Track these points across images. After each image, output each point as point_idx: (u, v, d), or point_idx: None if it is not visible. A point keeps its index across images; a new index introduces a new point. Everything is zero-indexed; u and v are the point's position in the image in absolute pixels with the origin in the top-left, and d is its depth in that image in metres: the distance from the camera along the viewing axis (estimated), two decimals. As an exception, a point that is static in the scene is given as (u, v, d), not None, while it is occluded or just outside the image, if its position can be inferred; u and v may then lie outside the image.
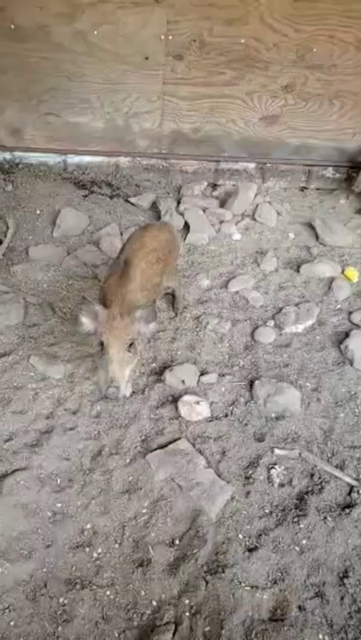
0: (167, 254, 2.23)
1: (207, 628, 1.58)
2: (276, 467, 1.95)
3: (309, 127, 3.24)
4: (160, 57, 2.96)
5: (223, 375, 2.26)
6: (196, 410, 2.08)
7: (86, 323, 1.80)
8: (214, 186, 3.40)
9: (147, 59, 2.96)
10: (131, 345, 1.79)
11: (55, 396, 2.12)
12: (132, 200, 3.20)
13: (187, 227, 3.01)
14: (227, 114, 3.18)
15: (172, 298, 2.55)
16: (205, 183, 3.39)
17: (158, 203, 3.16)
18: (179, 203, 3.18)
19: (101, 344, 1.79)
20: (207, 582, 1.66)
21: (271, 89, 3.10)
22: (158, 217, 3.07)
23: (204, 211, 3.12)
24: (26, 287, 2.59)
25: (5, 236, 2.82)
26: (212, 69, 3.01)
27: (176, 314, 2.51)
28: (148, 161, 3.39)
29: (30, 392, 2.12)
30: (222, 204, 3.25)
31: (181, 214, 3.08)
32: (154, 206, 3.18)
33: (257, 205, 3.20)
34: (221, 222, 3.10)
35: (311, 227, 3.12)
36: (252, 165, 3.41)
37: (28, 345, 2.31)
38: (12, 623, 1.55)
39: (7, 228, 2.87)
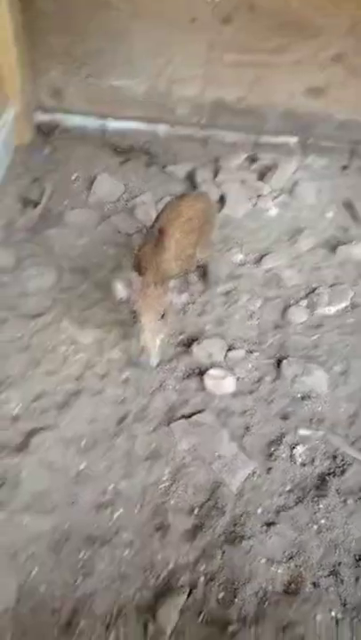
0: (203, 225, 2.21)
1: (221, 595, 1.63)
2: (299, 446, 1.95)
3: (357, 102, 3.12)
4: (207, 20, 2.86)
5: (251, 352, 2.25)
6: (222, 384, 2.08)
7: (120, 290, 1.82)
8: (253, 159, 3.32)
9: (193, 21, 2.87)
10: (162, 315, 1.79)
11: (84, 360, 2.15)
12: (169, 169, 3.16)
13: (222, 199, 2.97)
14: (272, 84, 3.08)
15: (203, 271, 2.54)
16: (244, 156, 3.31)
17: (195, 173, 3.11)
18: (216, 174, 3.12)
19: (134, 312, 1.79)
20: (223, 552, 1.70)
21: (320, 59, 2.98)
22: (194, 187, 3.02)
23: (241, 184, 3.07)
24: (60, 251, 2.60)
25: (41, 200, 2.82)
26: (259, 35, 2.90)
27: (207, 288, 2.50)
28: (187, 130, 3.32)
29: (60, 354, 2.16)
30: (260, 177, 3.18)
31: (218, 186, 3.03)
32: (190, 176, 3.13)
33: (296, 182, 3.12)
34: (258, 197, 3.04)
35: (351, 207, 3.04)
36: (293, 140, 3.31)
37: (60, 308, 2.33)
38: (34, 571, 1.62)
39: (43, 190, 2.87)
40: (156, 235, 1.99)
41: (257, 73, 3.05)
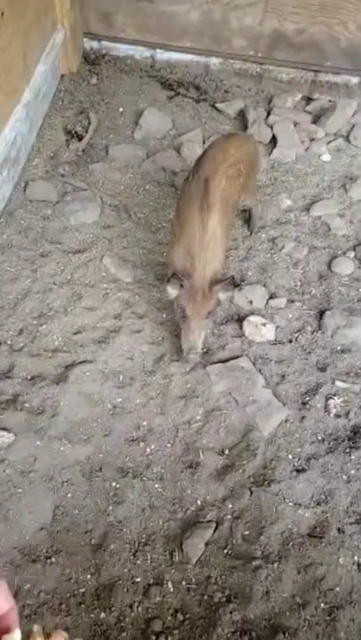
0: (250, 168, 2.11)
1: (246, 532, 1.67)
2: (335, 398, 1.93)
3: None
4: None
5: (293, 301, 2.21)
6: (261, 331, 2.06)
7: (172, 292, 1.83)
8: (309, 99, 3.13)
9: None
10: (210, 313, 1.86)
11: (124, 299, 2.16)
12: (219, 106, 3.01)
13: (274, 141, 2.83)
14: (338, 14, 2.83)
15: (248, 215, 2.46)
16: (300, 95, 3.12)
17: (247, 111, 2.96)
18: (268, 114, 2.96)
19: (184, 313, 1.84)
20: (252, 492, 1.73)
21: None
22: (245, 127, 2.89)
23: (294, 125, 2.90)
24: (103, 187, 2.55)
25: (87, 132, 2.75)
26: None
27: (251, 233, 2.43)
28: (241, 64, 3.13)
29: (101, 291, 2.16)
30: (315, 120, 3.00)
31: (270, 127, 2.88)
32: (241, 115, 2.99)
33: (353, 126, 2.93)
34: (312, 140, 2.88)
35: None
36: (355, 80, 3.08)
37: (101, 245, 2.32)
38: (69, 495, 1.69)
39: (89, 123, 2.79)
40: (202, 188, 1.89)
41: (323, 2, 2.81)
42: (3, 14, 2.08)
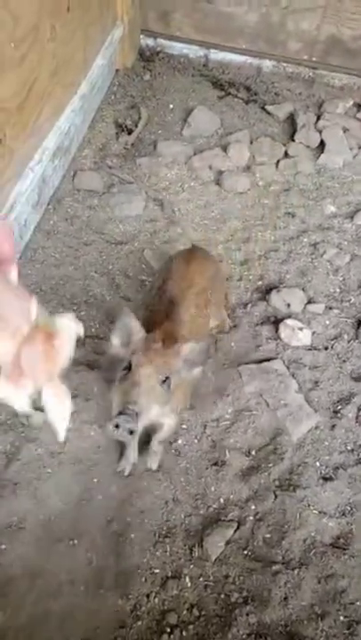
0: (216, 293, 1.87)
1: (268, 535, 1.66)
2: (368, 408, 1.90)
3: None
4: None
5: (331, 308, 2.18)
6: (297, 335, 2.04)
7: (116, 344, 1.46)
8: (360, 106, 3.09)
9: None
10: (165, 381, 1.37)
11: (162, 292, 2.17)
12: (269, 108, 3.00)
13: (322, 146, 2.80)
14: None
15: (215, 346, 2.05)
16: (351, 102, 3.08)
17: (296, 115, 2.94)
18: (318, 119, 2.94)
19: (128, 366, 1.38)
20: (276, 496, 1.72)
21: None
22: (294, 130, 2.87)
23: (344, 132, 2.87)
24: (148, 181, 2.58)
25: (136, 126, 2.78)
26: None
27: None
28: (293, 68, 3.12)
29: (139, 282, 2.18)
30: (366, 128, 2.96)
31: (319, 131, 2.85)
32: (290, 118, 2.97)
33: None
34: (360, 147, 2.85)
35: None
36: None
37: (143, 238, 2.34)
38: (95, 480, 1.72)
39: (139, 117, 2.83)
40: (166, 305, 1.64)
41: (383, 8, 2.78)
42: (68, 9, 2.12)
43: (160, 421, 1.59)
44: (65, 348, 0.83)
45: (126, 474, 1.74)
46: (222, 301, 2.04)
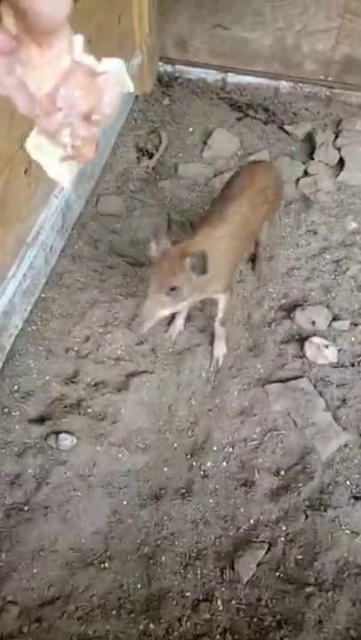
0: (275, 196, 2.07)
1: (300, 557, 1.64)
2: None
3: None
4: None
5: (356, 325, 2.17)
6: (323, 353, 2.03)
7: (152, 251, 1.70)
8: (378, 123, 3.10)
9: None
10: (173, 289, 1.61)
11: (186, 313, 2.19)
12: (287, 128, 3.03)
13: (341, 163, 2.82)
14: None
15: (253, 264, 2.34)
16: (369, 119, 3.10)
17: (315, 134, 2.97)
18: (336, 137, 2.95)
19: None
20: (307, 516, 1.70)
21: None
22: (313, 148, 2.89)
23: (363, 149, 2.88)
24: (170, 204, 2.62)
25: (157, 150, 2.84)
26: None
27: (260, 284, 2.30)
28: (311, 88, 3.15)
29: (163, 304, 2.21)
30: (385, 144, 2.96)
31: (338, 149, 2.87)
32: (309, 137, 3.00)
33: None
34: (380, 164, 2.85)
35: None
36: None
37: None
38: (124, 502, 1.73)
39: (160, 142, 2.89)
40: (220, 204, 1.85)
41: None
42: (90, 40, 2.20)
43: (214, 298, 1.92)
44: (109, 90, 0.72)
45: (173, 338, 2.08)
46: (273, 216, 2.16)
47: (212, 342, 2.08)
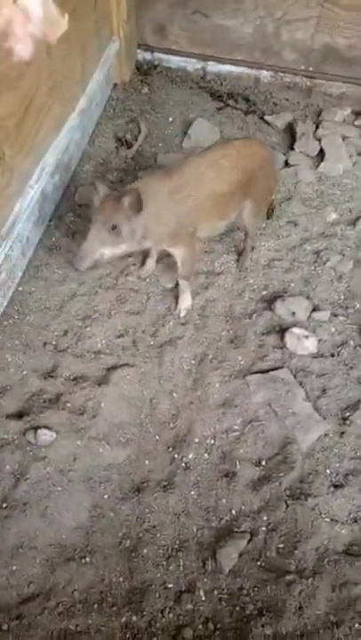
0: (253, 175, 1.99)
1: (281, 545, 1.66)
2: (377, 415, 1.90)
3: None
4: None
5: (336, 315, 2.18)
6: (303, 344, 2.04)
7: (95, 202, 1.81)
8: (358, 114, 3.11)
9: None
10: (114, 228, 1.73)
11: (167, 304, 2.18)
12: (268, 118, 3.02)
13: (321, 154, 2.82)
14: (392, 30, 2.82)
15: (241, 247, 2.35)
16: (349, 110, 3.10)
17: (295, 124, 2.96)
18: (317, 127, 2.95)
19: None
20: (288, 505, 1.71)
21: None
22: (293, 139, 2.88)
23: (343, 139, 2.88)
24: (150, 194, 2.59)
25: (136, 140, 2.80)
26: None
27: (240, 269, 2.32)
28: (291, 78, 3.14)
29: (144, 296, 2.19)
30: (364, 134, 2.97)
31: (318, 140, 2.87)
32: (289, 127, 2.99)
33: None
34: (360, 155, 2.86)
35: None
36: None
37: (147, 250, 2.35)
38: (105, 496, 1.71)
39: (139, 131, 2.85)
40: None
41: (377, 17, 2.80)
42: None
43: (171, 252, 2.01)
44: None
45: (143, 276, 2.23)
46: (258, 201, 2.13)
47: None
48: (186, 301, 2.15)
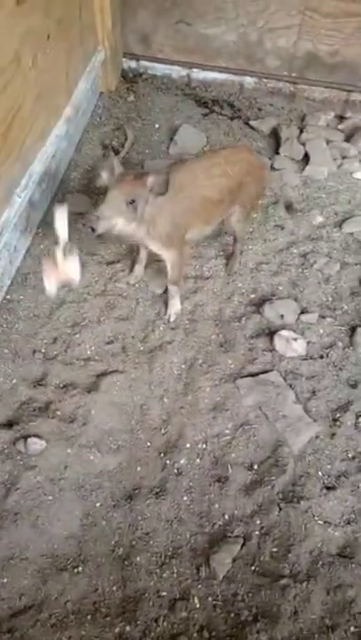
0: (244, 180, 2.01)
1: (274, 549, 1.65)
2: (367, 415, 1.90)
3: None
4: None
5: (324, 317, 2.19)
6: (292, 346, 2.05)
7: (104, 176, 1.82)
8: (342, 118, 3.15)
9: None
10: (132, 202, 1.72)
11: (156, 309, 2.18)
12: (253, 124, 3.05)
13: (306, 158, 2.84)
14: (372, 36, 2.86)
15: (230, 253, 2.36)
16: (333, 114, 3.14)
17: (279, 129, 2.99)
18: (301, 132, 2.98)
19: (105, 191, 1.74)
20: (281, 509, 1.71)
21: None
22: (278, 144, 2.91)
23: (327, 143, 2.91)
24: (137, 201, 2.59)
25: (123, 147, 2.81)
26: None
27: (228, 273, 2.32)
28: (274, 84, 3.17)
29: (133, 302, 2.19)
30: (348, 138, 3.01)
31: (302, 144, 2.89)
32: (274, 132, 3.01)
33: (387, 144, 2.93)
34: (344, 158, 2.89)
35: None
36: (388, 99, 3.09)
37: (133, 256, 2.35)
38: (97, 505, 1.70)
39: (125, 138, 2.86)
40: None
41: (357, 24, 2.83)
42: (48, 37, 2.16)
43: (160, 255, 2.01)
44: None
45: (132, 282, 2.25)
46: (247, 206, 2.15)
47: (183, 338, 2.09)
48: (175, 306, 2.15)
